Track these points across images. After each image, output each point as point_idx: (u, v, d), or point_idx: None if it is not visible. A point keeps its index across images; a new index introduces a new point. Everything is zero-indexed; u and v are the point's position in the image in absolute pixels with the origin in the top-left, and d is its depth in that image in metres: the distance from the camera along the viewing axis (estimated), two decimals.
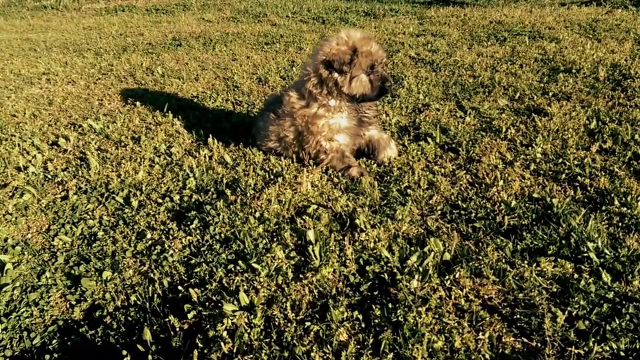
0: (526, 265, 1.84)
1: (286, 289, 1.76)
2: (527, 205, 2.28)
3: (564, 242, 1.98)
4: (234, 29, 7.79)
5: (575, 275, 1.81)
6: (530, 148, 2.93)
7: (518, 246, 1.97)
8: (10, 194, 2.62)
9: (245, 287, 1.77)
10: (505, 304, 1.69)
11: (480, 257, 1.87)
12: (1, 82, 5.08)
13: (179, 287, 1.83)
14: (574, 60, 4.79)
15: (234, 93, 4.44)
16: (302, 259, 1.92)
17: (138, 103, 4.18)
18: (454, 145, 3.04)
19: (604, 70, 4.37)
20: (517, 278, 1.79)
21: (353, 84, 2.60)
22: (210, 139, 3.18)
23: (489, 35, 6.36)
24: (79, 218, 2.35)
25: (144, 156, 3.02)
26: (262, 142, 2.99)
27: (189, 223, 2.21)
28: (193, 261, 1.96)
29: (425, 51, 5.68)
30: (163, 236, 2.14)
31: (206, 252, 2.00)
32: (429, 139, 3.11)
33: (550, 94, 3.93)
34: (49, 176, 2.82)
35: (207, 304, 1.72)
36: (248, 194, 2.44)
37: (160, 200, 2.45)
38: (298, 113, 2.72)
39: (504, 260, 1.88)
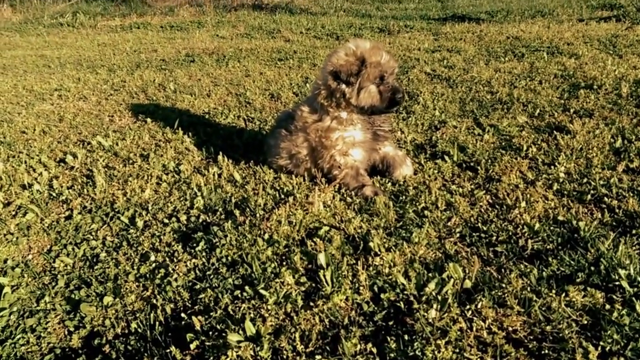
0: (553, 295, 1.70)
1: (295, 317, 1.65)
2: (551, 228, 2.14)
3: (593, 268, 1.84)
4: (248, 45, 7.83)
5: (607, 306, 1.66)
6: (552, 167, 2.79)
7: (544, 273, 1.83)
8: (14, 212, 2.57)
9: (252, 315, 1.66)
10: (531, 337, 1.55)
11: (504, 285, 1.73)
12: (13, 99, 5.12)
13: (182, 315, 1.72)
14: (595, 76, 4.65)
15: (245, 109, 4.40)
16: (313, 284, 1.81)
17: (149, 119, 4.15)
18: (472, 164, 2.92)
19: (626, 86, 4.22)
20: (543, 308, 1.65)
21: (361, 96, 2.53)
22: (220, 157, 3.12)
23: (506, 51, 6.26)
24: (82, 238, 2.28)
25: (151, 174, 2.96)
26: (273, 159, 2.91)
27: (194, 245, 2.12)
28: (198, 286, 1.86)
29: (441, 67, 5.60)
30: (167, 259, 2.05)
31: (212, 276, 1.90)
32: (446, 157, 2.99)
33: (572, 110, 3.80)
34: (54, 194, 2.77)
35: (210, 333, 1.61)
36: (257, 215, 2.35)
37: (166, 221, 2.37)
38: (311, 127, 2.65)
39: (529, 289, 1.74)
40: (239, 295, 1.77)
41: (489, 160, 2.93)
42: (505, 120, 3.65)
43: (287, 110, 3.18)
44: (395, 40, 7.62)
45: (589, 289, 1.72)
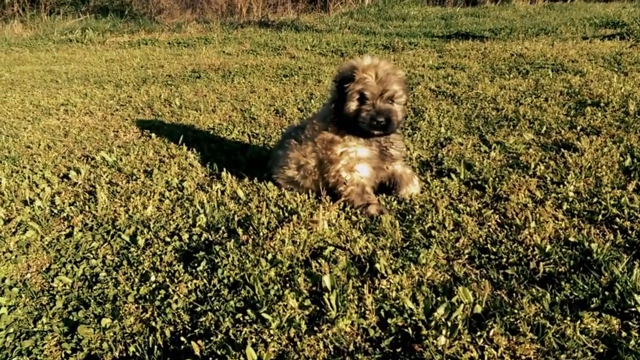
0: (568, 321, 1.63)
1: (299, 343, 1.59)
2: (563, 250, 2.08)
3: (607, 293, 1.77)
4: (253, 62, 7.89)
5: (623, 333, 1.59)
6: (561, 186, 2.74)
7: (557, 298, 1.76)
8: (14, 230, 2.53)
9: (254, 340, 1.61)
10: None
11: (516, 311, 1.67)
12: (20, 113, 5.15)
13: (182, 339, 1.67)
14: (601, 93, 4.62)
15: (250, 125, 4.39)
16: (317, 308, 1.75)
17: (153, 135, 4.15)
18: (479, 182, 2.87)
19: (633, 104, 4.18)
20: (557, 335, 1.59)
21: (344, 108, 2.48)
22: (223, 173, 3.09)
23: (510, 68, 6.26)
24: (81, 257, 2.24)
25: (154, 190, 2.93)
26: (279, 170, 2.85)
27: (196, 265, 2.07)
28: (198, 309, 1.80)
29: (445, 84, 5.59)
30: (168, 279, 2.00)
31: (213, 298, 1.85)
32: (453, 175, 2.95)
33: (579, 128, 3.75)
34: (56, 211, 2.74)
35: (210, 359, 1.55)
36: (261, 233, 2.30)
37: (168, 239, 2.33)
38: (318, 137, 2.63)
39: (542, 315, 1.68)
40: (241, 319, 1.71)
41: (497, 179, 2.88)
42: (511, 138, 3.61)
43: (294, 125, 3.18)
44: (399, 57, 7.65)
45: (604, 315, 1.66)
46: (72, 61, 8.90)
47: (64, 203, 2.84)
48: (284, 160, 2.80)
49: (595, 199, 2.56)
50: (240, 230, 2.33)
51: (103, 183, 3.11)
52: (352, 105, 2.47)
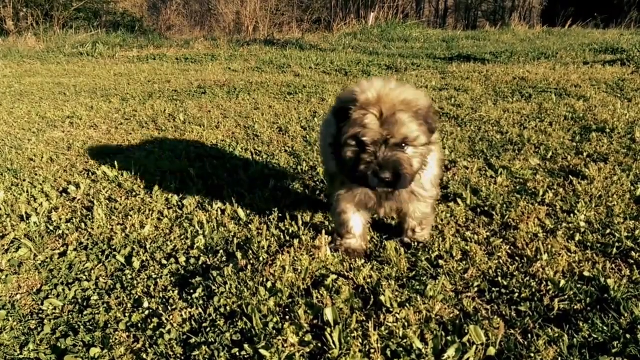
0: None
1: None
2: (578, 286, 1.98)
3: (628, 336, 1.67)
4: (258, 79, 7.89)
5: None
6: (572, 215, 2.65)
7: (575, 340, 1.66)
8: (6, 247, 2.45)
9: None
10: None
11: (532, 354, 1.56)
12: (25, 125, 5.12)
13: None
14: (606, 119, 4.56)
15: (253, 142, 4.34)
16: (319, 344, 1.65)
17: (156, 150, 4.09)
18: (486, 209, 2.78)
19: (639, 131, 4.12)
20: None
21: (341, 152, 1.88)
22: (225, 191, 3.02)
23: (513, 91, 6.22)
24: (74, 278, 2.14)
25: (153, 208, 2.85)
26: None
27: (192, 291, 1.97)
28: (192, 340, 1.70)
29: (449, 105, 5.55)
30: (161, 307, 1.90)
31: (208, 329, 1.75)
32: (459, 200, 2.86)
33: (585, 154, 3.68)
34: (51, 228, 2.66)
35: None
36: (260, 258, 2.21)
37: (164, 262, 2.24)
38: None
39: (560, 359, 1.57)
40: (237, 354, 1.61)
41: (504, 205, 2.79)
42: (517, 162, 3.54)
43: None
44: (403, 77, 7.65)
45: None
46: (82, 74, 8.93)
47: (60, 219, 2.76)
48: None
49: (608, 231, 2.47)
50: (239, 255, 2.24)
51: (102, 199, 3.03)
52: (348, 152, 1.85)
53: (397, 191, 2.04)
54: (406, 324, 1.71)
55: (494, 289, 1.99)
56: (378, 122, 1.79)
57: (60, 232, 2.60)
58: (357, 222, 2.27)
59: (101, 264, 2.27)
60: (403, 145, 1.83)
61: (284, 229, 2.55)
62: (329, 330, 1.63)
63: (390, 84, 1.91)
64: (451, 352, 1.54)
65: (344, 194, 2.14)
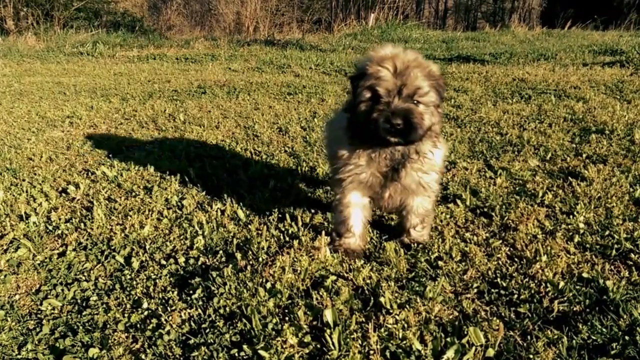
0: None
1: None
2: (577, 287, 1.98)
3: (627, 338, 1.67)
4: (258, 79, 7.90)
5: None
6: (571, 217, 2.65)
7: (574, 341, 1.66)
8: (5, 247, 2.45)
9: None
10: None
11: (531, 356, 1.57)
12: (25, 124, 5.11)
13: None
14: (605, 121, 4.57)
15: (253, 142, 4.34)
16: (318, 345, 1.65)
17: (156, 150, 4.09)
18: (486, 210, 2.78)
19: (639, 132, 4.12)
20: None
21: (356, 111, 1.98)
22: (224, 192, 3.02)
23: (512, 93, 6.23)
24: (73, 279, 2.14)
25: (152, 208, 2.85)
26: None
27: (191, 292, 1.97)
28: (191, 341, 1.70)
29: (448, 106, 5.55)
30: (160, 307, 1.90)
31: (207, 330, 1.75)
32: (459, 201, 2.87)
33: (584, 155, 3.69)
34: (50, 228, 2.66)
35: None
36: (260, 259, 2.21)
37: (163, 262, 2.24)
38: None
39: None
40: (236, 355, 1.61)
41: (504, 206, 2.80)
42: (516, 164, 3.54)
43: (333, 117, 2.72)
44: None
45: None
46: (82, 74, 8.93)
47: (59, 219, 2.75)
48: None
49: (607, 232, 2.47)
50: (239, 255, 2.23)
51: (101, 199, 3.03)
52: (363, 105, 1.94)
53: (405, 171, 2.11)
54: (405, 325, 1.71)
55: (493, 290, 1.99)
56: (392, 75, 1.89)
57: (60, 232, 2.60)
58: (357, 220, 2.30)
59: (100, 264, 2.26)
60: (415, 100, 1.92)
61: (283, 229, 2.55)
62: (328, 331, 1.63)
63: (401, 48, 2.03)
64: (450, 353, 1.54)
65: (349, 179, 2.17)
